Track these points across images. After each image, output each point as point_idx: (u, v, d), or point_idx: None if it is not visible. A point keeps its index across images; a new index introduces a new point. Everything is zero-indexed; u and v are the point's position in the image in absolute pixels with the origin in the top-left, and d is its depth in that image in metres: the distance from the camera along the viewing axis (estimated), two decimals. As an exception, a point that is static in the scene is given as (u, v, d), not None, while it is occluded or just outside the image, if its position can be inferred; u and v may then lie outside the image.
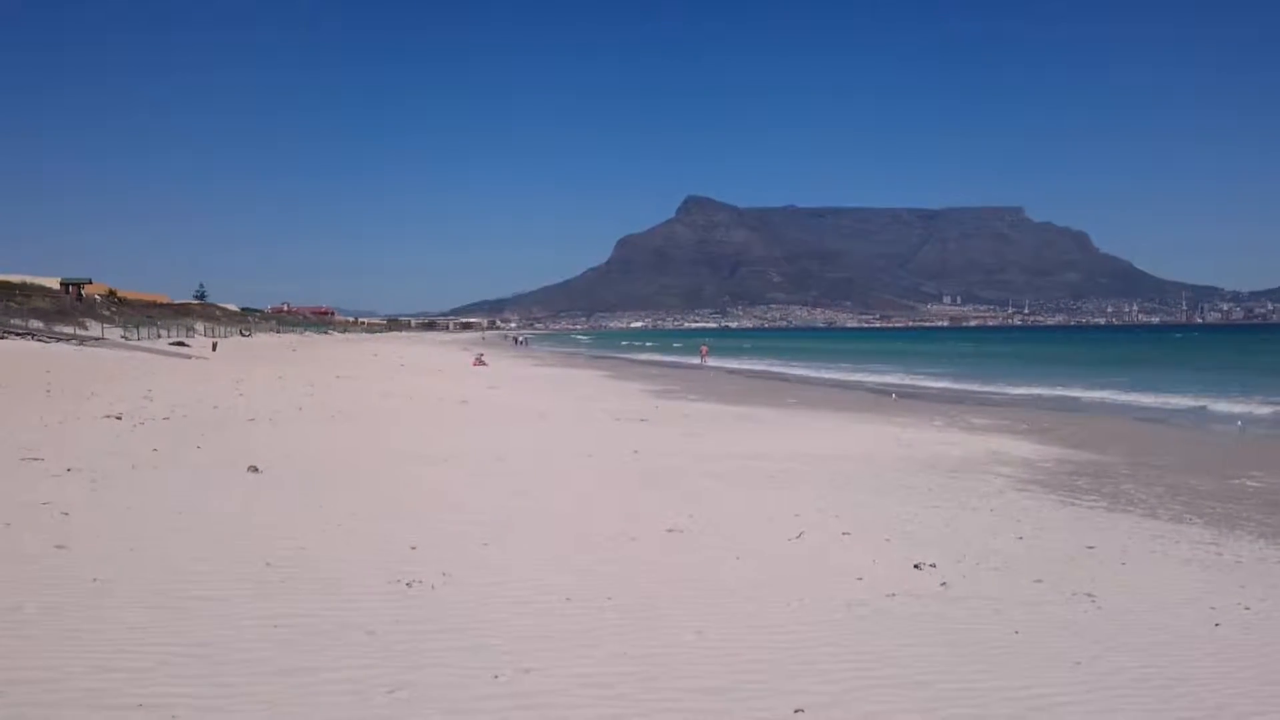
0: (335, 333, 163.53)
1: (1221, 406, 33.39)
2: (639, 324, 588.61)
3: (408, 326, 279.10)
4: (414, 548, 9.61)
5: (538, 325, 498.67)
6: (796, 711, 5.92)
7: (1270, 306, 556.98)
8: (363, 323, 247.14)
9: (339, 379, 37.72)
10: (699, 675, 6.47)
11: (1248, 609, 8.72)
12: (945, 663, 6.86)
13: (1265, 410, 31.83)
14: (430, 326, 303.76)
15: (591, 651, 6.86)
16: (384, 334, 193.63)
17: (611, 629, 7.35)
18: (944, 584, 9.09)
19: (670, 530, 10.99)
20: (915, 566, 9.71)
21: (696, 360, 79.89)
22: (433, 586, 8.28)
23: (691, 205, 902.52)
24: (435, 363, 61.64)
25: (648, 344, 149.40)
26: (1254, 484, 16.92)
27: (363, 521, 10.83)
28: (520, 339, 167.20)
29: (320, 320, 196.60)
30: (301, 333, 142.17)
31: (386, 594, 8.03)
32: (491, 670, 6.42)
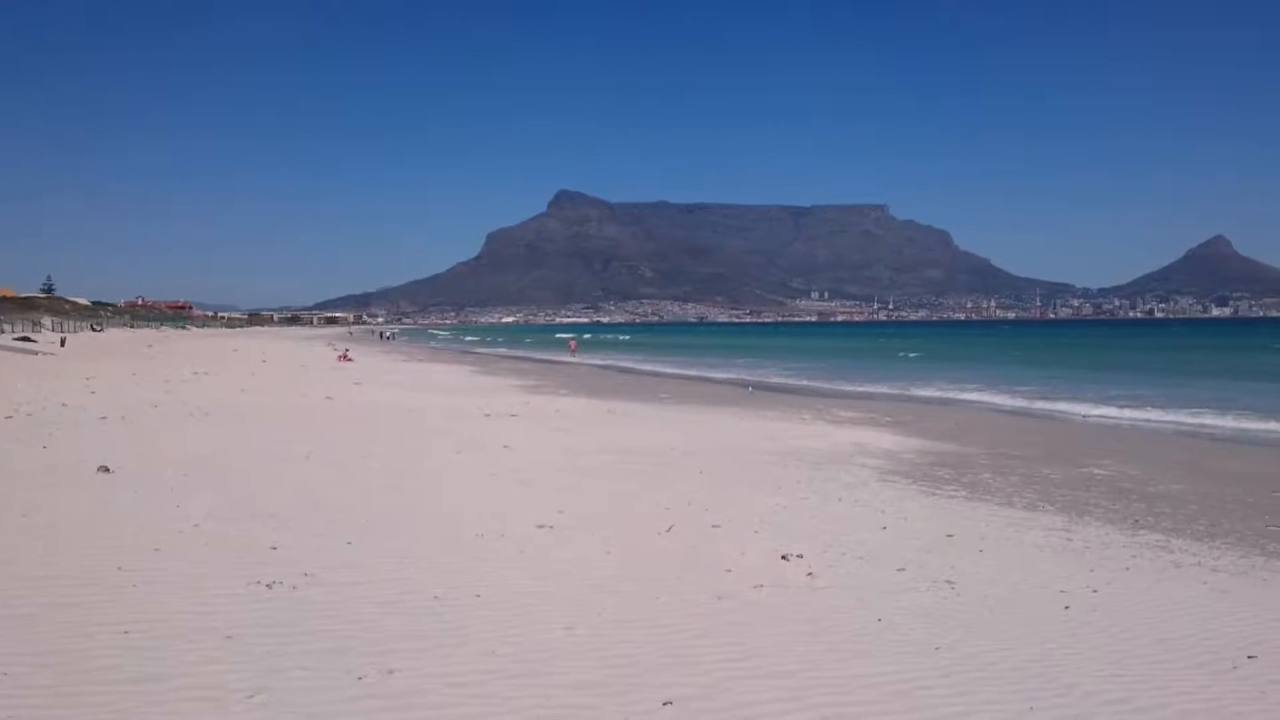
0: (194, 328, 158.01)
1: (1063, 404, 34.87)
2: (510, 319, 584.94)
3: (270, 321, 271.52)
4: (274, 548, 9.32)
5: (406, 320, 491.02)
6: (665, 704, 5.93)
7: (1117, 303, 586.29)
8: (223, 317, 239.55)
9: (197, 375, 36.46)
10: (569, 671, 6.43)
11: (1095, 592, 9.10)
12: (811, 652, 6.97)
13: (1107, 409, 33.37)
14: (294, 321, 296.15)
15: (459, 650, 6.76)
16: (245, 329, 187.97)
17: (480, 627, 7.25)
18: (810, 574, 9.24)
19: (540, 526, 10.92)
20: (783, 558, 9.85)
21: (566, 355, 79.78)
22: (294, 587, 8.04)
23: (563, 199, 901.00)
24: (299, 358, 60.07)
25: (499, 339, 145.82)
26: (1101, 472, 17.69)
27: (221, 522, 10.47)
28: (388, 334, 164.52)
29: (177, 315, 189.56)
30: (158, 328, 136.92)
31: (245, 596, 7.77)
32: (355, 672, 6.27)
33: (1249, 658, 7.28)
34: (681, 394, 36.79)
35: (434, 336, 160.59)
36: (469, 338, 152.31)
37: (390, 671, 6.30)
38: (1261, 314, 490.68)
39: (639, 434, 21.41)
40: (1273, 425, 26.61)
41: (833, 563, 9.77)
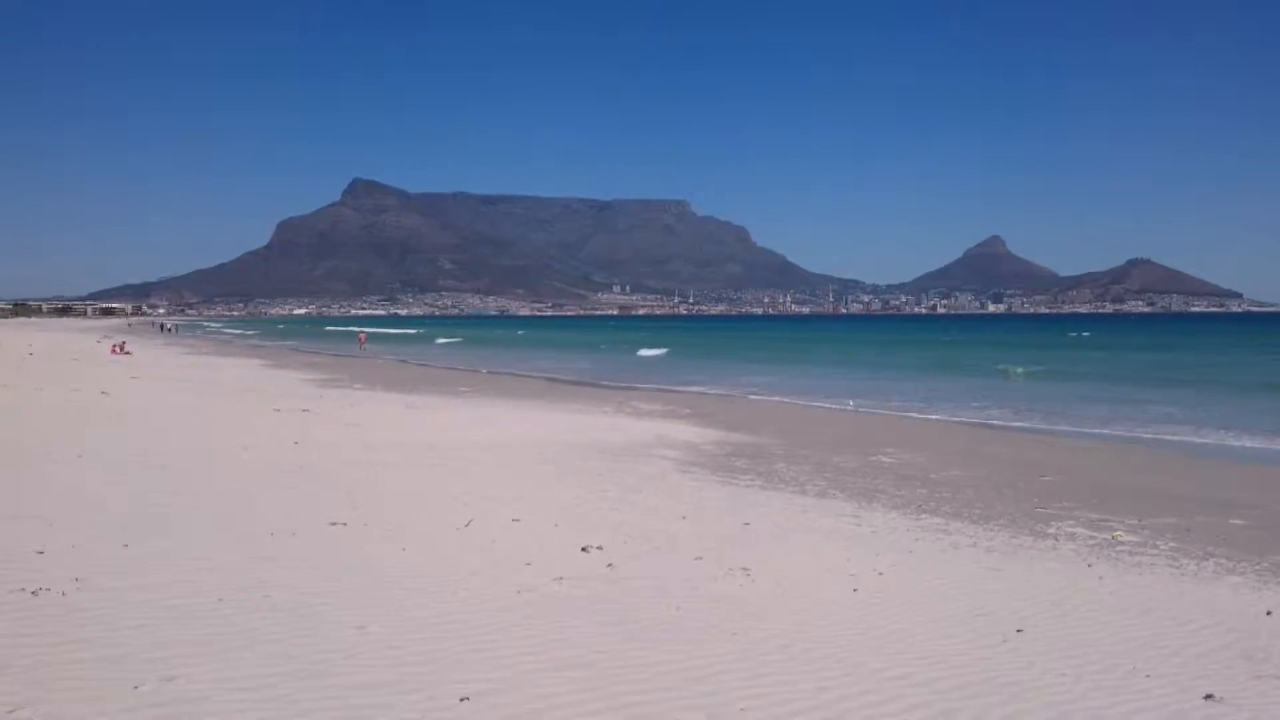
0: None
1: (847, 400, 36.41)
2: (303, 311, 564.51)
3: (39, 312, 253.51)
4: (41, 552, 8.67)
5: (190, 311, 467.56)
6: (462, 700, 5.83)
7: (904, 299, 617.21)
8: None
9: (-44, 369, 33.72)
10: (362, 670, 6.23)
11: (881, 574, 9.51)
12: (611, 642, 6.99)
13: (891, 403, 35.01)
14: (65, 312, 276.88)
15: (245, 654, 6.44)
16: (9, 320, 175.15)
17: (268, 629, 6.94)
18: (610, 565, 9.29)
19: (333, 524, 10.58)
20: (583, 549, 9.86)
21: (356, 348, 77.71)
22: (63, 593, 7.49)
23: (358, 188, 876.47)
24: (71, 350, 56.38)
25: (282, 329, 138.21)
26: (889, 460, 18.53)
27: (-20, 526, 9.67)
28: (169, 326, 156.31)
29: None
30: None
31: (8, 605, 7.19)
32: (132, 680, 5.89)
33: (1018, 631, 7.75)
34: (482, 387, 36.47)
35: (217, 330, 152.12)
36: (250, 331, 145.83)
37: (170, 679, 5.95)
38: (1032, 310, 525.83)
39: (438, 428, 21.09)
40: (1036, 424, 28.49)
41: (632, 553, 9.86)
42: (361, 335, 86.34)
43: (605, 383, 41.67)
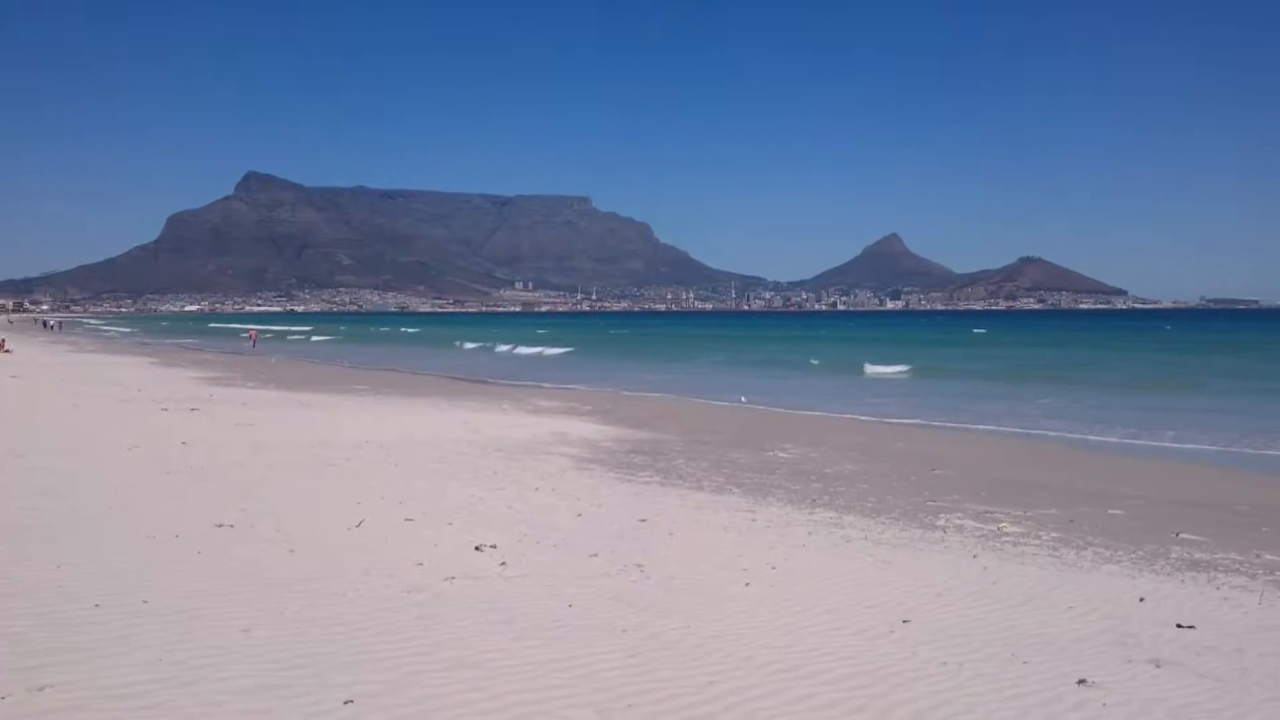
0: None
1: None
2: (194, 307, 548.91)
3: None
4: (-96, 560, 8.30)
5: (76, 307, 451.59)
6: (346, 703, 5.73)
7: (804, 295, 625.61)
8: None
9: None
10: (245, 675, 6.08)
11: (774, 568, 9.63)
12: (501, 641, 6.94)
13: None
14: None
15: (122, 660, 6.24)
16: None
17: (147, 634, 6.73)
18: (504, 563, 9.23)
19: (219, 525, 10.31)
20: (476, 548, 9.79)
21: (248, 345, 76.00)
22: (-73, 603, 7.18)
23: (252, 182, 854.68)
24: (-52, 348, 54.00)
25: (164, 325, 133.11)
26: (785, 455, 18.77)
27: None
28: (51, 323, 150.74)
29: None
30: None
31: None
32: (-2, 692, 5.66)
33: (904, 622, 7.91)
34: (380, 384, 35.94)
35: (95, 328, 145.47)
36: (128, 329, 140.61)
37: (40, 688, 5.73)
38: (929, 307, 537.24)
39: (332, 426, 20.72)
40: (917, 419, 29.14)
41: (526, 551, 9.81)
42: (252, 332, 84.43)
43: (505, 380, 41.43)
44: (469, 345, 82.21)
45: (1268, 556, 11.03)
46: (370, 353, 68.51)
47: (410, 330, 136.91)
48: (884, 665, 6.81)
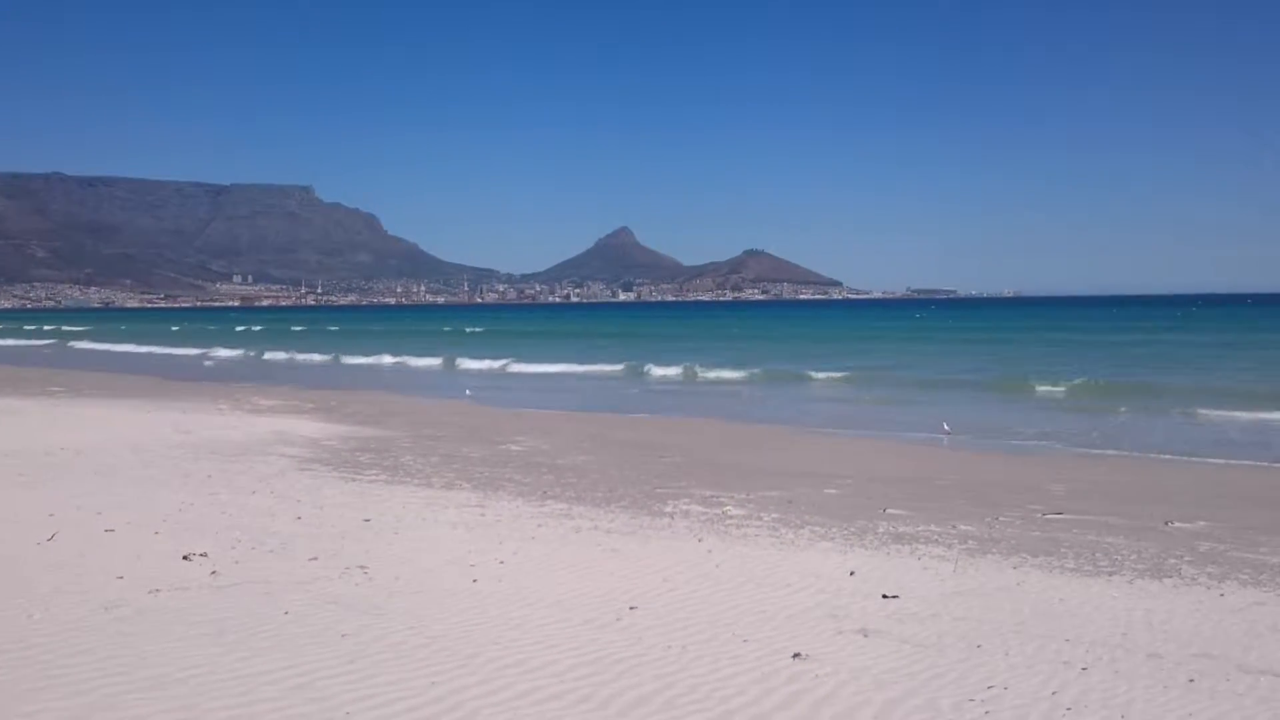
0: None
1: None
2: None
3: None
4: None
5: None
6: (29, 736, 5.21)
7: (539, 288, 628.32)
8: None
9: None
10: (-95, 716, 5.41)
11: (502, 563, 9.54)
12: (210, 654, 6.51)
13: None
14: None
15: None
16: None
17: None
18: (214, 572, 8.69)
19: (-119, 546, 9.20)
20: (185, 558, 9.18)
21: None
22: None
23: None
24: None
25: None
26: (517, 448, 18.73)
27: None
28: None
29: None
30: None
31: None
32: None
33: (631, 609, 8.01)
34: (80, 386, 33.27)
35: None
36: None
37: None
38: (659, 298, 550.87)
39: (23, 432, 19.00)
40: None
41: (241, 558, 9.29)
42: None
43: (222, 379, 39.33)
44: (178, 340, 77.51)
45: (962, 527, 11.92)
46: (71, 354, 63.43)
47: (122, 327, 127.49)
48: (610, 653, 6.86)
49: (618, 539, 10.99)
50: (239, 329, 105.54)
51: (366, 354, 54.92)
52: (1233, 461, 17.87)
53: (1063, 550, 10.68)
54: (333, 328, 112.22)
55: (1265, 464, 17.77)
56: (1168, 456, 18.55)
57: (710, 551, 10.39)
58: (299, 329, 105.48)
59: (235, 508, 11.98)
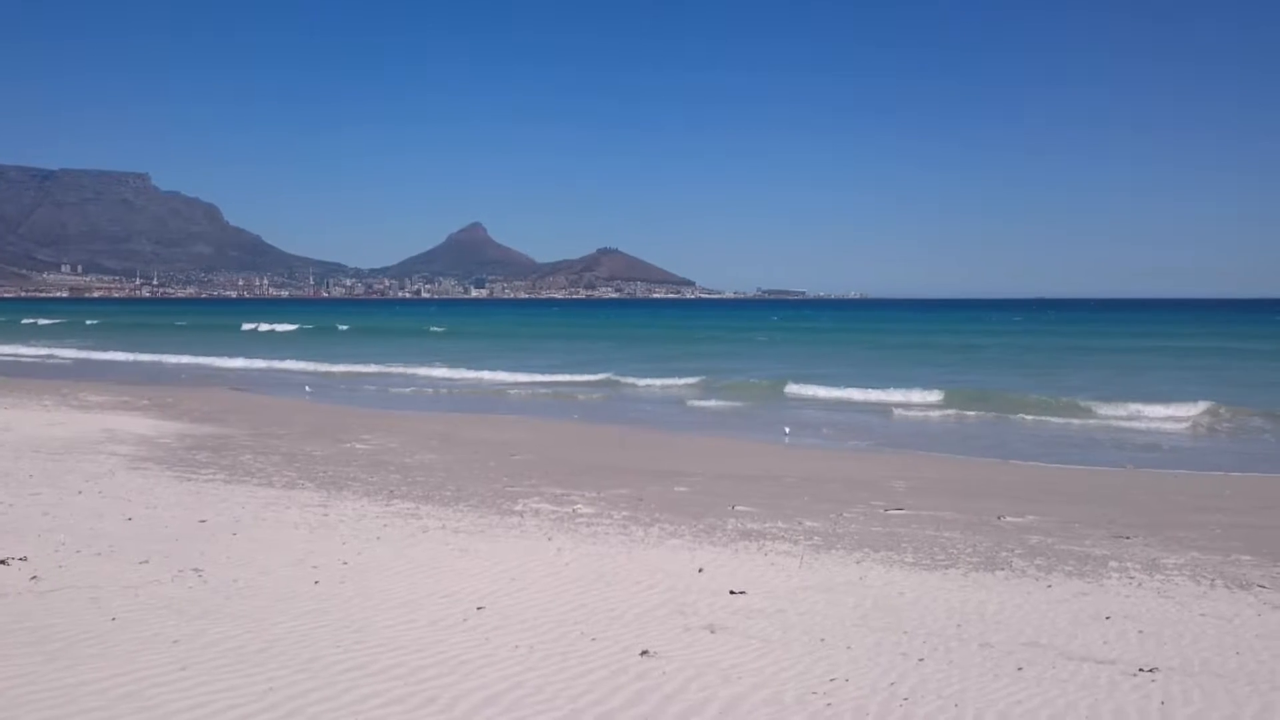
0: None
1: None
2: None
3: None
4: None
5: None
6: None
7: (388, 283, 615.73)
8: None
9: None
10: None
11: (346, 564, 9.29)
12: (29, 665, 6.15)
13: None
14: None
15: None
16: None
17: None
18: (35, 577, 8.21)
19: None
20: (2, 562, 8.64)
21: None
22: None
23: None
24: None
25: None
26: (363, 447, 18.31)
27: None
28: None
29: None
30: None
31: None
32: None
33: (478, 609, 7.90)
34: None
35: None
36: None
37: None
38: (513, 295, 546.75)
39: None
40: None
41: (64, 562, 8.80)
42: None
43: (46, 374, 37.34)
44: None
45: (808, 523, 12.18)
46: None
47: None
48: (456, 654, 6.75)
49: (466, 538, 10.84)
50: (24, 321, 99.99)
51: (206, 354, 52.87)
52: (1057, 465, 18.85)
53: (903, 545, 11.02)
54: (180, 322, 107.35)
55: (1088, 466, 18.81)
56: (997, 459, 19.43)
57: (560, 550, 10.34)
58: (93, 323, 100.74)
59: (61, 509, 11.35)
